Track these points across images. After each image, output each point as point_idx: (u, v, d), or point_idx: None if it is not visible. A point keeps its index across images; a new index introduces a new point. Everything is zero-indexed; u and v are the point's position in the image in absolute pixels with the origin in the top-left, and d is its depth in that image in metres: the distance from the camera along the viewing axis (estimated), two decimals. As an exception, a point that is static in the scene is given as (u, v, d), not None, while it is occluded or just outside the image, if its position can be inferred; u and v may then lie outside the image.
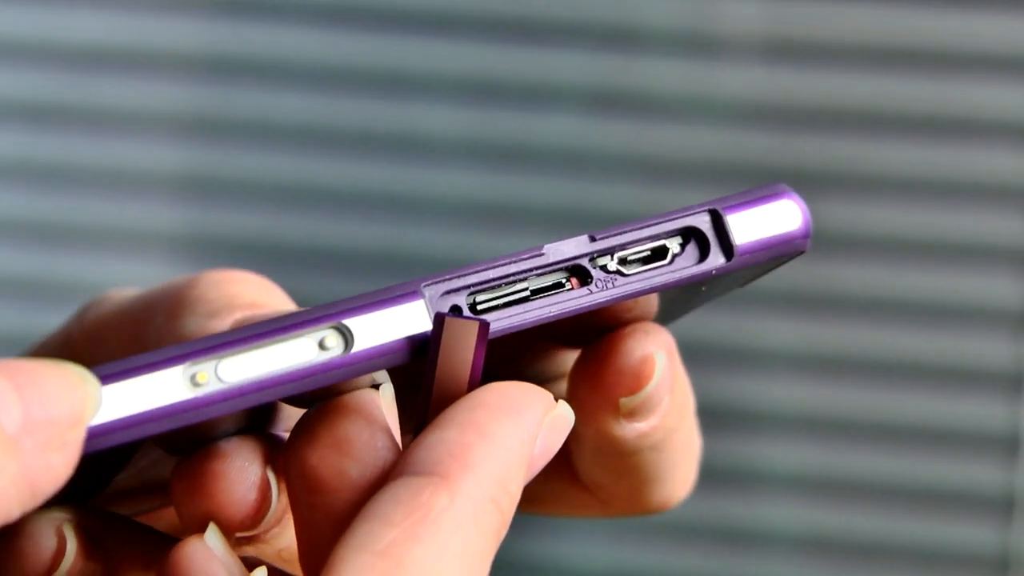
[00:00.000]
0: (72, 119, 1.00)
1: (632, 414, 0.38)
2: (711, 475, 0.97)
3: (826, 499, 0.96)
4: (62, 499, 0.32)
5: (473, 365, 0.33)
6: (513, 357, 0.38)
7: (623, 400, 0.38)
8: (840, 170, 0.95)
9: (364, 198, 0.98)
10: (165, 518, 0.40)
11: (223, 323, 0.37)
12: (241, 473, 0.34)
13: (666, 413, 0.39)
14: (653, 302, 0.36)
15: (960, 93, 0.95)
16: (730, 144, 0.96)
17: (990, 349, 0.95)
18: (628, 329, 0.38)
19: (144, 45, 0.99)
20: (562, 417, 0.34)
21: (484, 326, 0.33)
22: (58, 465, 0.30)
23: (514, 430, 0.33)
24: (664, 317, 0.39)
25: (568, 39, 0.96)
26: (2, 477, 0.29)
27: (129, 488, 0.36)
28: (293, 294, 1.07)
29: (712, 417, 0.96)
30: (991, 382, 0.95)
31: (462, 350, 0.33)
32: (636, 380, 0.38)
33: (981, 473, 0.95)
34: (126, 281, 1.00)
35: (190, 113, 0.99)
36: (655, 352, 0.38)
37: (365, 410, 0.34)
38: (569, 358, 0.40)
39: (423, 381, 0.33)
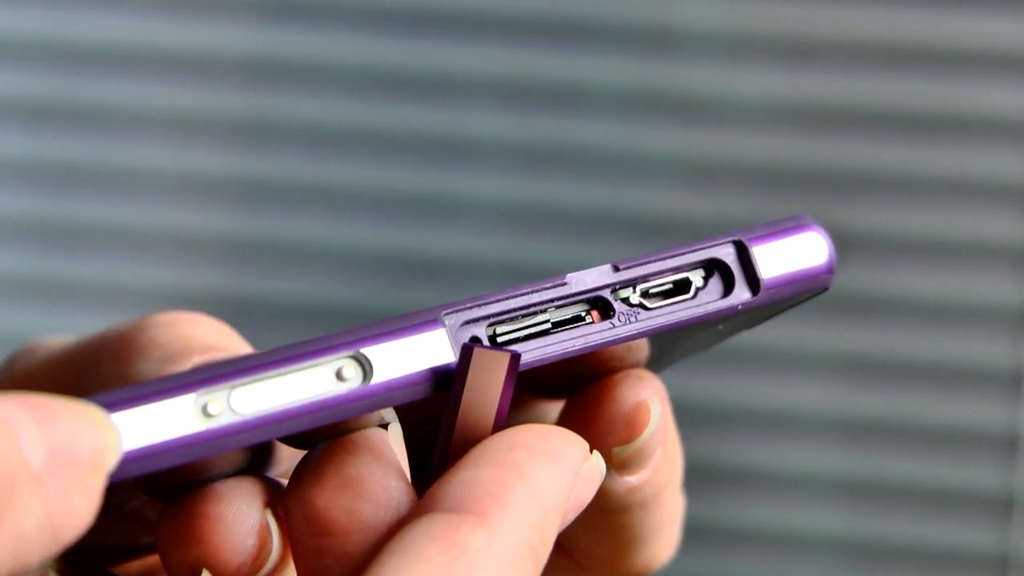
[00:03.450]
0: (74, 119, 1.00)
1: (624, 466, 0.36)
2: (707, 474, 0.97)
3: (825, 499, 0.96)
4: None
5: (501, 401, 0.31)
6: None
7: (615, 450, 0.36)
8: (839, 170, 0.95)
9: (402, 202, 0.98)
10: (126, 572, 0.39)
11: (180, 367, 0.35)
12: (239, 516, 0.32)
13: (658, 467, 0.37)
14: (645, 345, 0.35)
15: (960, 93, 0.95)
16: (758, 147, 0.96)
17: (990, 349, 0.95)
18: (619, 375, 0.36)
19: (147, 45, 0.99)
20: (596, 468, 0.33)
21: (515, 358, 0.31)
22: (80, 511, 0.27)
23: (553, 475, 0.31)
24: (657, 363, 0.37)
25: (608, 42, 0.96)
26: (26, 520, 0.27)
27: (97, 540, 0.33)
28: (326, 300, 1.05)
29: (710, 418, 0.97)
30: (991, 382, 0.95)
31: (490, 384, 0.31)
32: (630, 428, 0.36)
33: (981, 473, 0.95)
34: (127, 282, 1.01)
35: (194, 114, 0.99)
36: (649, 398, 0.36)
37: (376, 448, 0.32)
38: (545, 410, 0.38)
39: (444, 417, 0.31)
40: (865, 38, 0.95)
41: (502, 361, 0.31)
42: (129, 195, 0.99)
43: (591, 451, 0.32)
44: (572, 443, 0.32)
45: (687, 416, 0.96)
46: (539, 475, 0.31)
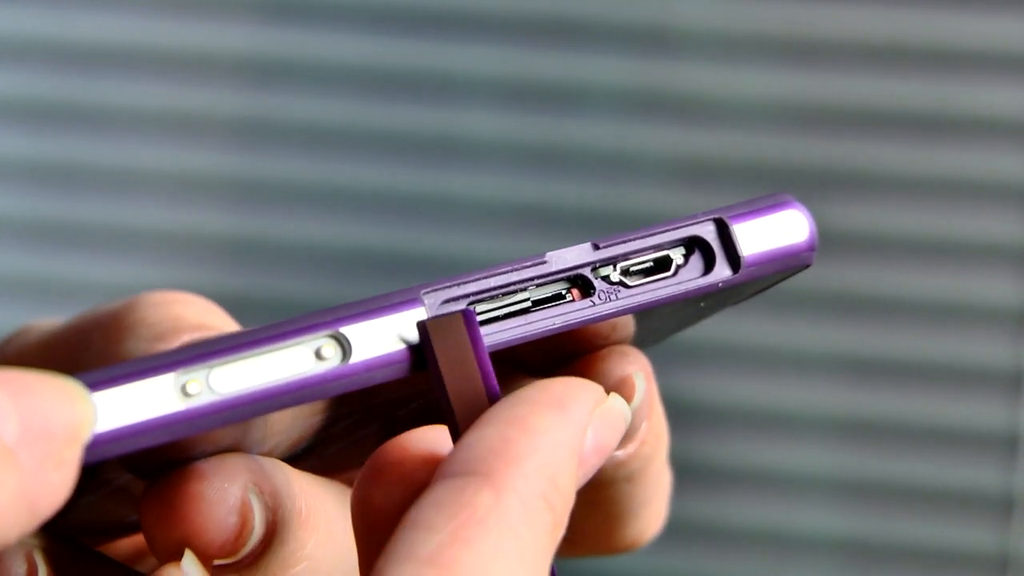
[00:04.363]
0: (74, 119, 1.00)
1: None
2: (706, 474, 0.97)
3: (825, 499, 0.96)
4: None
5: (478, 360, 0.31)
6: None
7: None
8: (839, 170, 0.95)
9: (402, 202, 0.98)
10: (116, 550, 0.39)
11: (170, 346, 0.35)
12: (220, 495, 0.32)
13: (643, 440, 0.37)
14: (631, 322, 0.35)
15: (960, 93, 0.95)
16: (757, 147, 0.96)
17: (990, 349, 0.95)
18: (604, 351, 0.36)
19: (147, 45, 0.99)
20: (614, 410, 0.32)
21: (468, 315, 0.31)
22: (56, 484, 0.27)
23: (561, 423, 0.30)
24: (641, 340, 0.37)
25: (606, 42, 0.96)
26: (1, 495, 0.27)
27: (83, 518, 0.33)
28: (325, 300, 1.06)
29: (710, 418, 0.97)
30: (991, 382, 0.95)
31: (458, 349, 0.31)
32: None
33: (981, 473, 0.95)
34: (127, 282, 1.01)
35: (194, 114, 0.99)
36: (634, 373, 0.36)
37: (434, 448, 0.32)
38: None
39: (439, 399, 0.31)
40: (865, 38, 0.95)
41: (456, 323, 0.31)
42: (129, 195, 0.99)
43: (608, 394, 0.32)
44: (580, 389, 0.31)
45: (687, 416, 0.96)
46: (544, 425, 0.30)
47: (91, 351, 0.37)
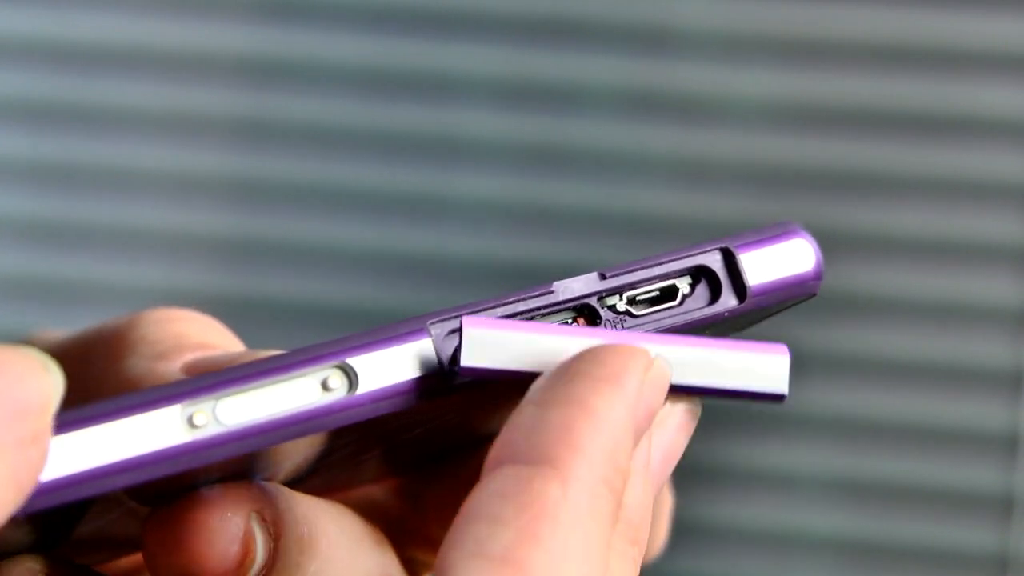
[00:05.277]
0: (74, 119, 1.00)
1: None
2: (705, 474, 0.97)
3: (824, 499, 0.96)
4: (30, 548, 0.30)
5: (507, 375, 0.31)
6: (483, 408, 0.36)
7: None
8: (839, 170, 0.95)
9: (401, 202, 0.98)
10: (119, 567, 0.39)
11: (172, 364, 0.35)
12: (224, 523, 0.32)
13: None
14: None
15: (960, 93, 0.95)
16: (757, 147, 0.96)
17: (990, 349, 0.95)
18: None
19: (147, 45, 0.99)
20: (662, 374, 0.32)
21: (459, 368, 0.31)
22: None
23: (619, 400, 0.30)
24: None
25: (605, 42, 0.96)
26: None
27: (85, 537, 0.33)
28: (325, 300, 1.05)
29: (708, 418, 0.97)
30: (991, 382, 0.95)
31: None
32: None
33: (981, 473, 0.95)
34: (127, 282, 1.01)
35: (193, 114, 0.99)
36: None
37: None
38: None
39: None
40: (865, 38, 0.95)
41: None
42: (129, 195, 0.99)
43: (653, 357, 0.32)
44: (631, 359, 0.31)
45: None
46: (605, 406, 0.30)
47: (93, 368, 0.36)
